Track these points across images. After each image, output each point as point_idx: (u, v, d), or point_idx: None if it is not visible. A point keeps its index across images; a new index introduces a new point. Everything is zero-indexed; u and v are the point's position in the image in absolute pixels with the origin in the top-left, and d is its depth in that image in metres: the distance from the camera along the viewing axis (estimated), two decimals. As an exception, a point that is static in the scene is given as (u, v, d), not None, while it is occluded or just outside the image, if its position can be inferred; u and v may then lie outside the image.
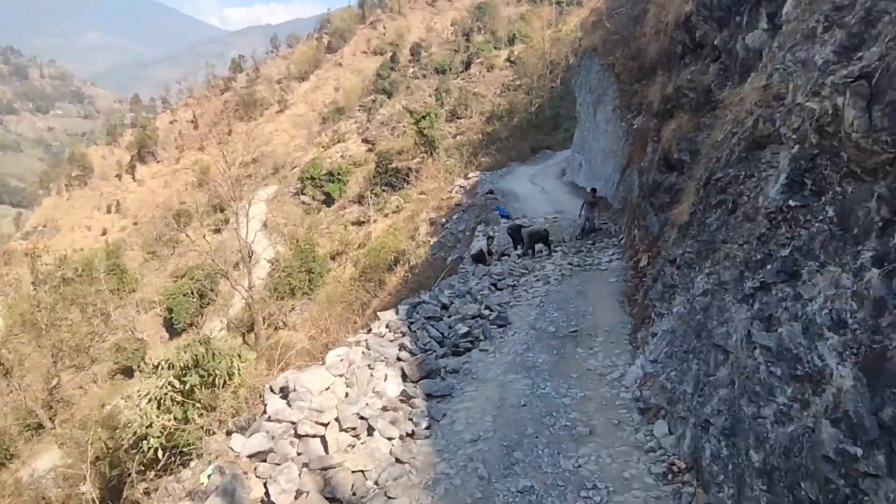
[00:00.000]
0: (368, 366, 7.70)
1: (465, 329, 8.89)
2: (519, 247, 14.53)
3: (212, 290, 46.90)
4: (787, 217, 3.74)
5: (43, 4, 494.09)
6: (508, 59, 69.45)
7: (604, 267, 11.77)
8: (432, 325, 9.12)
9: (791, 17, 6.14)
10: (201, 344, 9.88)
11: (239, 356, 10.22)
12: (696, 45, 9.37)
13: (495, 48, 77.22)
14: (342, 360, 7.84)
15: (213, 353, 9.80)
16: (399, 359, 8.09)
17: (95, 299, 51.79)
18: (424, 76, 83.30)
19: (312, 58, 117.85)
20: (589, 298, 10.01)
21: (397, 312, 9.82)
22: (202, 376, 9.68)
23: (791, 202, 3.73)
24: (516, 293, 10.96)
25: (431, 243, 21.62)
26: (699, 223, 5.71)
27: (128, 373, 37.46)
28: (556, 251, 13.71)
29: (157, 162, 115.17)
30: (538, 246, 14.26)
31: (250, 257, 35.18)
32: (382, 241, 30.38)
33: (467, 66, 76.91)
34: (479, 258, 13.87)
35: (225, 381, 9.50)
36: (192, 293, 47.20)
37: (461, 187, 27.51)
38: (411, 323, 9.23)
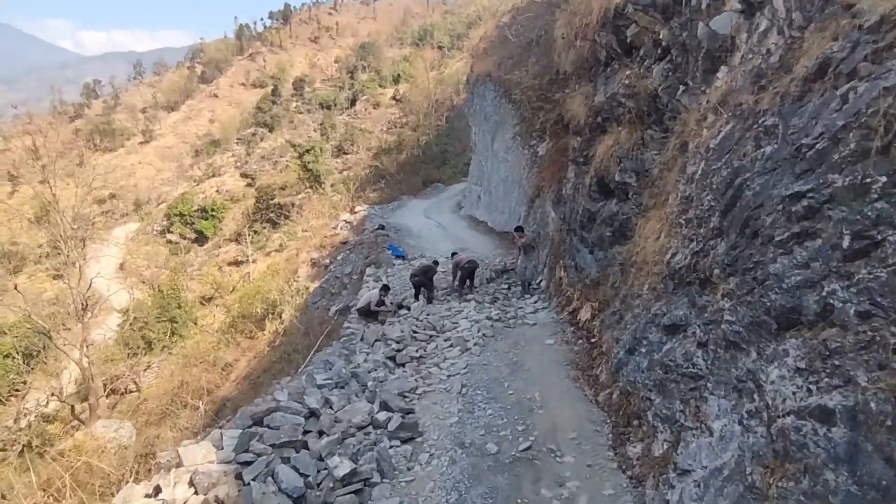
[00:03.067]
0: None
1: (348, 465, 5.11)
2: (421, 296, 11.69)
3: (44, 349, 38.48)
4: None
5: None
6: (394, 98, 69.53)
7: (530, 320, 9.25)
8: (288, 464, 5.17)
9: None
10: None
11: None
12: (626, 48, 7.76)
13: (380, 86, 77.01)
14: None
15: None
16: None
17: None
18: (309, 111, 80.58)
19: (183, 87, 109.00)
20: (529, 375, 7.12)
21: (220, 444, 5.43)
22: None
23: None
24: (424, 370, 7.81)
25: (311, 290, 18.22)
26: (731, 269, 3.56)
27: None
28: (467, 299, 11.06)
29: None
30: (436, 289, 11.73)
31: (84, 308, 28.95)
32: (257, 286, 26.13)
33: (353, 102, 75.70)
34: (368, 312, 10.86)
35: None
36: (17, 353, 38.19)
37: (347, 223, 24.52)
38: (245, 464, 5.11)
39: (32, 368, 38.12)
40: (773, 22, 4.79)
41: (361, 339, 9.31)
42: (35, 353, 37.89)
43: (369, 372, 7.61)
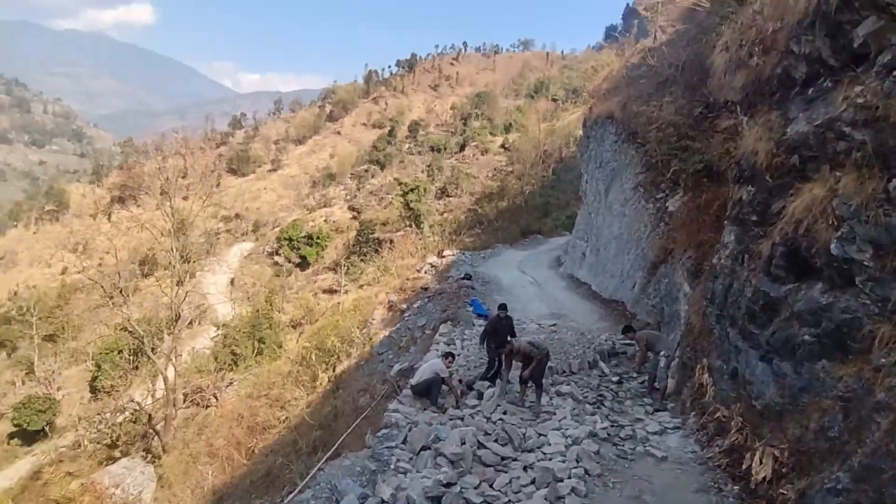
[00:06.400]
0: None
1: None
2: (499, 379, 8.35)
3: (153, 350, 41.13)
4: None
5: (58, 45, 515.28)
6: (503, 146, 69.48)
7: (657, 448, 6.10)
8: None
9: None
10: None
11: None
12: (848, 56, 5.05)
13: (491, 134, 77.76)
14: None
15: None
16: None
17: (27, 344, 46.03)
18: (419, 153, 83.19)
19: (312, 123, 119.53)
20: None
21: None
22: None
23: None
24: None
25: (380, 338, 16.29)
26: None
27: (28, 436, 31.59)
28: (553, 394, 7.88)
29: (138, 206, 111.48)
30: (505, 383, 8.30)
31: (176, 319, 30.24)
32: (334, 322, 24.98)
33: (462, 147, 76.83)
34: (426, 391, 7.99)
35: None
36: (129, 350, 41.30)
37: (432, 266, 22.66)
38: None
39: (136, 367, 40.84)
40: None
41: (404, 443, 6.32)
42: (142, 352, 40.59)
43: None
